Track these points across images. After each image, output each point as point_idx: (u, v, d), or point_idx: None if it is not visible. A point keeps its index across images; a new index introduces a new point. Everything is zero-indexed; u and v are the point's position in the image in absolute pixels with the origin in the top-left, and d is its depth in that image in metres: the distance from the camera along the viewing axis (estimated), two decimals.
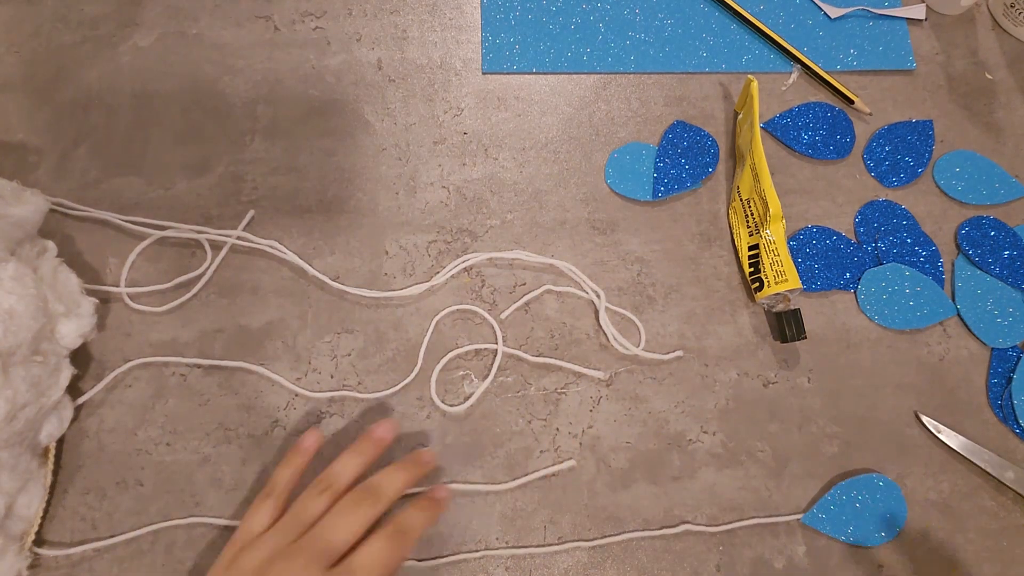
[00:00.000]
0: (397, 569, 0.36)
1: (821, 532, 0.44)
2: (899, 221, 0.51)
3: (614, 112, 0.54)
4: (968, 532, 0.44)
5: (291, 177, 0.51)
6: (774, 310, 0.47)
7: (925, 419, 0.46)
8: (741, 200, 0.49)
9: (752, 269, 0.48)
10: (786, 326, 0.46)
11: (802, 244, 0.50)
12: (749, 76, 0.50)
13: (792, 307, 0.47)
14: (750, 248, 0.48)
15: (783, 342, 0.47)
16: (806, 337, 0.46)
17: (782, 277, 0.46)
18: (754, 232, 0.48)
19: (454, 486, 0.44)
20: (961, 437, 0.45)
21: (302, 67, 0.54)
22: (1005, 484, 0.44)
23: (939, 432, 0.46)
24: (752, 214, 0.48)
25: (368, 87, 0.54)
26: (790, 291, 0.46)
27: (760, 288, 0.47)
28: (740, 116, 0.52)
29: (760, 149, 0.48)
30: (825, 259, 0.50)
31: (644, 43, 0.56)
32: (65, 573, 0.41)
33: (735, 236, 0.50)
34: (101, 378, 0.45)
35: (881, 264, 0.50)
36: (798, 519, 0.44)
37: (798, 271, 0.46)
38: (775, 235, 0.47)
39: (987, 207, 0.52)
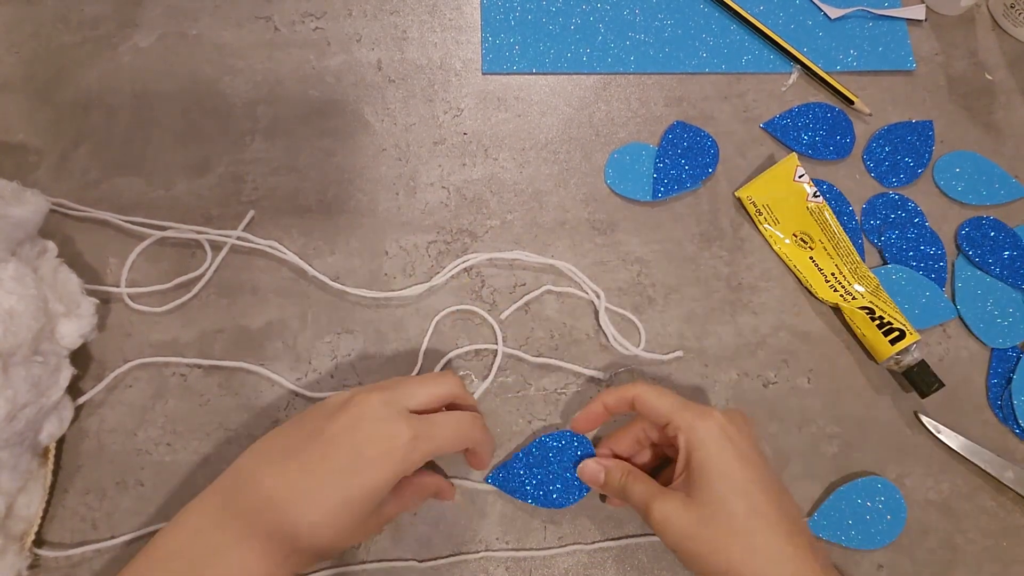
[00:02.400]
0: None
1: (822, 538, 0.44)
2: (908, 216, 0.51)
3: (614, 112, 0.54)
4: (968, 532, 0.44)
5: (291, 177, 0.51)
6: (901, 368, 0.46)
7: (925, 419, 0.46)
8: (826, 274, 0.48)
9: (879, 324, 0.46)
10: (920, 380, 0.45)
11: None
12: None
13: (916, 359, 0.45)
14: (862, 309, 0.46)
15: (924, 396, 0.45)
16: (944, 384, 0.45)
17: (907, 326, 0.46)
18: (846, 295, 0.48)
19: (456, 481, 0.44)
20: (961, 437, 0.45)
21: (302, 67, 0.54)
22: (1005, 484, 0.44)
23: (939, 432, 0.46)
24: (839, 282, 0.48)
25: (368, 87, 0.54)
26: (912, 343, 0.45)
27: (901, 337, 0.45)
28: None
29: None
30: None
31: (644, 43, 0.56)
32: (65, 573, 0.41)
33: (844, 311, 0.48)
34: (101, 378, 0.45)
35: (885, 263, 0.50)
36: None
37: None
38: (868, 286, 0.48)
39: (987, 207, 0.52)
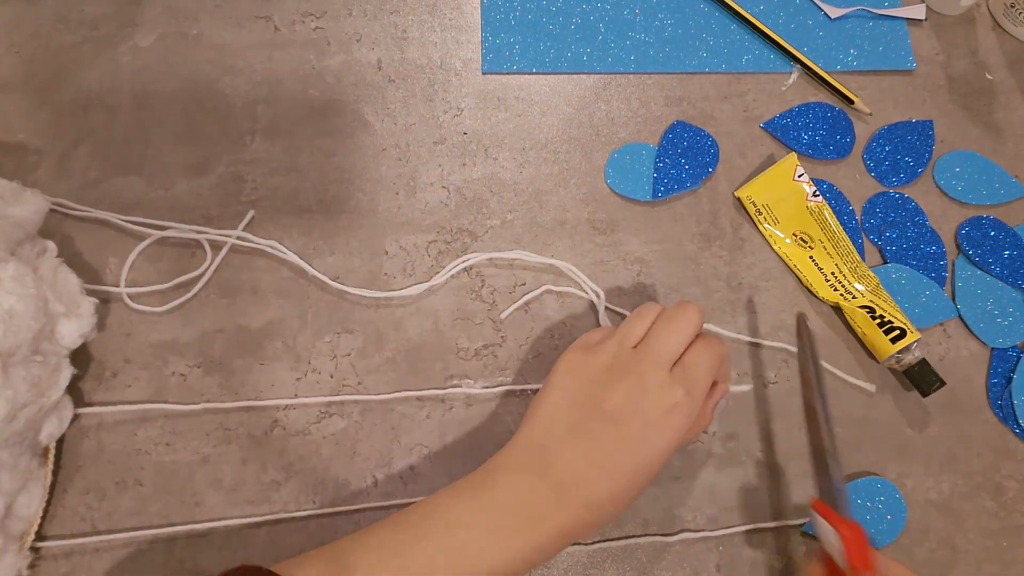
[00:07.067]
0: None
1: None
2: (908, 215, 0.51)
3: (614, 112, 0.54)
4: (968, 532, 0.44)
5: (291, 177, 0.51)
6: (902, 367, 0.46)
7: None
8: (826, 273, 0.49)
9: (880, 322, 0.46)
10: (921, 379, 0.45)
11: None
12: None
13: (917, 358, 0.45)
14: (863, 308, 0.47)
15: (925, 395, 0.45)
16: (945, 383, 0.45)
17: (908, 324, 0.46)
18: (846, 294, 0.48)
19: None
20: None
21: (302, 67, 0.54)
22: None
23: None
24: (839, 281, 0.48)
25: (368, 87, 0.54)
26: (913, 342, 0.45)
27: (902, 336, 0.45)
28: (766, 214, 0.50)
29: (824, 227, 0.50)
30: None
31: (644, 43, 0.56)
32: (65, 573, 0.41)
33: (845, 311, 0.48)
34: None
35: (885, 262, 0.50)
36: (799, 525, 0.44)
37: None
38: (869, 285, 0.48)
39: (987, 207, 0.52)
